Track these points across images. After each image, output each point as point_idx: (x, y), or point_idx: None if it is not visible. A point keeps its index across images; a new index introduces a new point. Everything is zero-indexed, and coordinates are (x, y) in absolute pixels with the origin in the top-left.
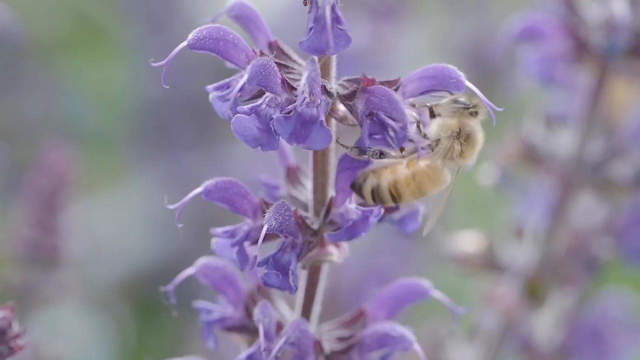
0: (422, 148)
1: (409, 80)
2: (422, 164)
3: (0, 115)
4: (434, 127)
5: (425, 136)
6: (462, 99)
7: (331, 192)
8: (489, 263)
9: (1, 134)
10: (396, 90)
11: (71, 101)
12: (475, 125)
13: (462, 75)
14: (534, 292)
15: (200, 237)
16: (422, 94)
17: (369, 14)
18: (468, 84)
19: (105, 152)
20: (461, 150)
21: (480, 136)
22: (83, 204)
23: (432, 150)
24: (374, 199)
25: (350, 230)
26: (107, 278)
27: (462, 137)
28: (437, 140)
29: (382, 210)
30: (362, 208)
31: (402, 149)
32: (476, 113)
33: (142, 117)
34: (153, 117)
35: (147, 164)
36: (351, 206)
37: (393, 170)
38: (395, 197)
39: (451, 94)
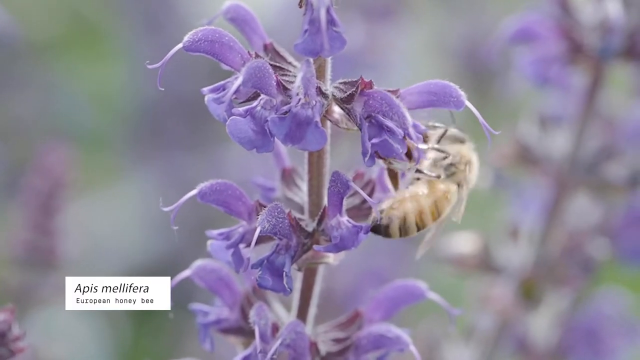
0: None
1: (408, 92)
2: (440, 190)
3: None
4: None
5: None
6: (459, 134)
7: (325, 199)
8: (485, 264)
9: None
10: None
11: (66, 101)
12: (471, 153)
13: (463, 94)
14: (529, 292)
15: (196, 237)
16: (419, 108)
17: (363, 13)
18: (468, 104)
19: (101, 153)
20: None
21: (475, 160)
22: (78, 204)
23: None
24: (400, 234)
25: (340, 245)
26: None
27: (468, 164)
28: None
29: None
30: (352, 222)
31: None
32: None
33: (137, 117)
34: (148, 117)
35: (142, 164)
36: (343, 219)
37: (414, 201)
38: (420, 226)
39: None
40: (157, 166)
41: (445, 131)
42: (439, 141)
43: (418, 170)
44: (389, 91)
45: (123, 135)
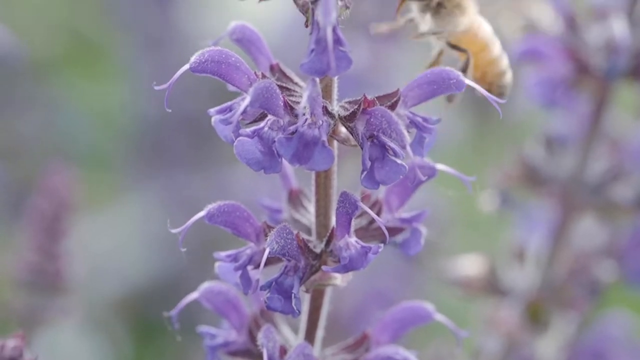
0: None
1: (408, 89)
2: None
3: None
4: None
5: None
6: None
7: (333, 219)
8: (491, 286)
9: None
10: (397, 102)
11: (68, 120)
12: None
13: (460, 74)
14: (535, 315)
15: (198, 256)
16: (424, 101)
17: (367, 34)
18: (468, 82)
19: (103, 171)
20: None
21: None
22: (81, 223)
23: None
24: None
25: (348, 266)
26: (105, 297)
27: None
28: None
29: (382, 246)
30: (361, 243)
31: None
32: None
33: (139, 136)
34: (151, 136)
35: (144, 183)
36: (351, 240)
37: None
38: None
39: None
40: (159, 185)
41: None
42: None
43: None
44: (389, 94)
45: (125, 154)
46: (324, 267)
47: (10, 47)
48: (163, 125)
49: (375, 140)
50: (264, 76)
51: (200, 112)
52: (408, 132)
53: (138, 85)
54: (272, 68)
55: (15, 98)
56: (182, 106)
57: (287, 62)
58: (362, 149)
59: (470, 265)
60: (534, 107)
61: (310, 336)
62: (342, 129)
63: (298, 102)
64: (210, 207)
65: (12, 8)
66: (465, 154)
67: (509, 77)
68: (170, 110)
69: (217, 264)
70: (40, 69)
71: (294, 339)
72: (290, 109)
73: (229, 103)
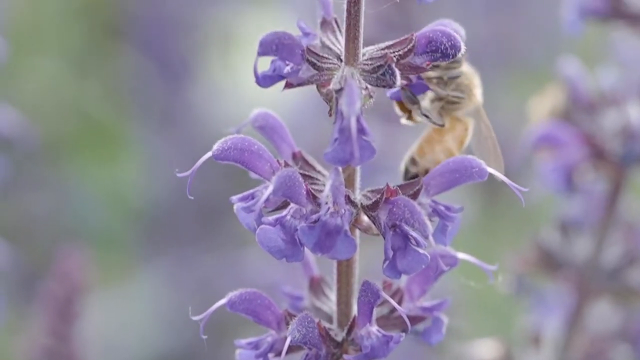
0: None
1: (430, 178)
2: (460, 127)
3: (8, 217)
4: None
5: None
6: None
7: (355, 307)
8: None
9: (10, 235)
10: (419, 190)
11: (79, 201)
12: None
13: (482, 163)
14: None
15: (209, 334)
16: (446, 189)
17: (380, 117)
18: (490, 170)
19: (115, 251)
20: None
21: (472, 77)
22: (93, 302)
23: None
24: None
25: (370, 355)
26: None
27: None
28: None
29: (403, 335)
30: (383, 332)
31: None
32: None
33: (151, 215)
34: (162, 216)
35: (156, 262)
36: (372, 329)
37: (445, 149)
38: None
39: None
40: (171, 265)
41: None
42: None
43: (425, 115)
44: (411, 183)
45: (137, 234)
46: (345, 356)
47: (21, 129)
48: (174, 205)
49: (397, 230)
50: (286, 164)
51: (211, 192)
52: (430, 220)
53: (149, 165)
54: (295, 156)
55: (26, 180)
56: (193, 186)
57: (300, 140)
58: (384, 238)
59: (486, 349)
60: (549, 192)
61: None
62: (365, 218)
63: (321, 191)
64: (232, 295)
65: (22, 89)
66: (475, 236)
67: None
68: (192, 198)
69: (237, 351)
70: (50, 150)
71: None
72: (313, 197)
73: (251, 191)
